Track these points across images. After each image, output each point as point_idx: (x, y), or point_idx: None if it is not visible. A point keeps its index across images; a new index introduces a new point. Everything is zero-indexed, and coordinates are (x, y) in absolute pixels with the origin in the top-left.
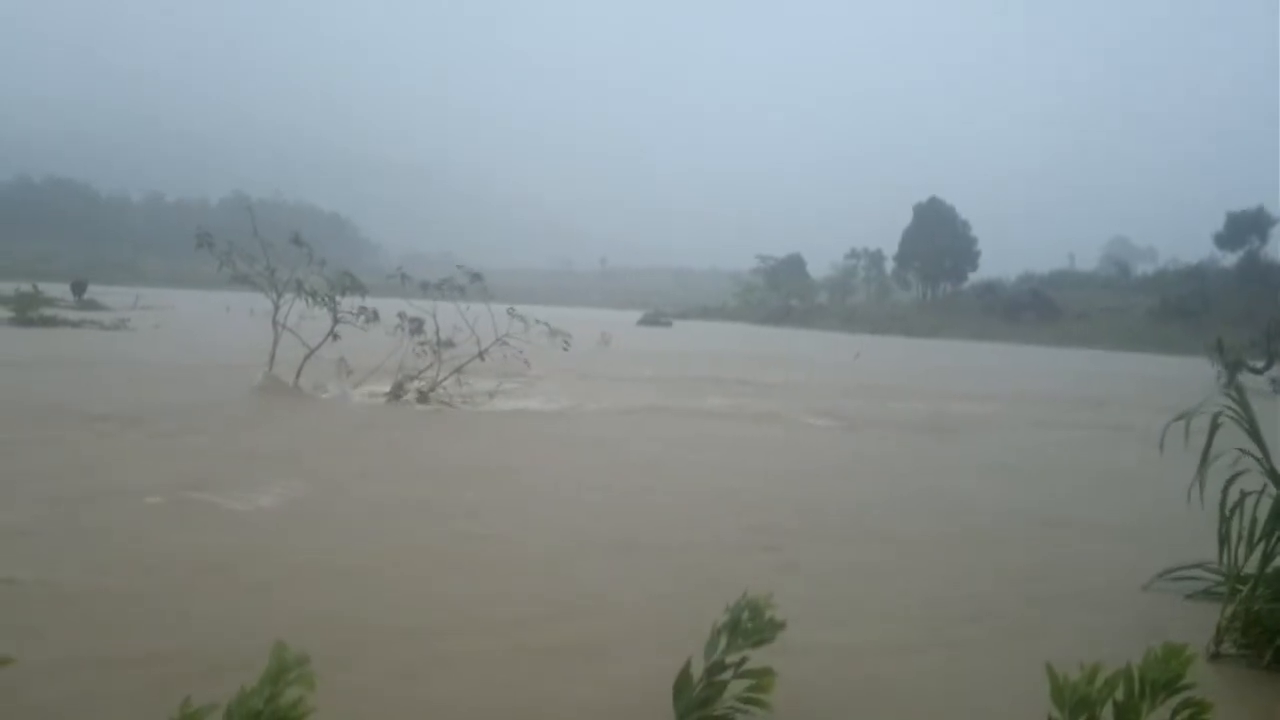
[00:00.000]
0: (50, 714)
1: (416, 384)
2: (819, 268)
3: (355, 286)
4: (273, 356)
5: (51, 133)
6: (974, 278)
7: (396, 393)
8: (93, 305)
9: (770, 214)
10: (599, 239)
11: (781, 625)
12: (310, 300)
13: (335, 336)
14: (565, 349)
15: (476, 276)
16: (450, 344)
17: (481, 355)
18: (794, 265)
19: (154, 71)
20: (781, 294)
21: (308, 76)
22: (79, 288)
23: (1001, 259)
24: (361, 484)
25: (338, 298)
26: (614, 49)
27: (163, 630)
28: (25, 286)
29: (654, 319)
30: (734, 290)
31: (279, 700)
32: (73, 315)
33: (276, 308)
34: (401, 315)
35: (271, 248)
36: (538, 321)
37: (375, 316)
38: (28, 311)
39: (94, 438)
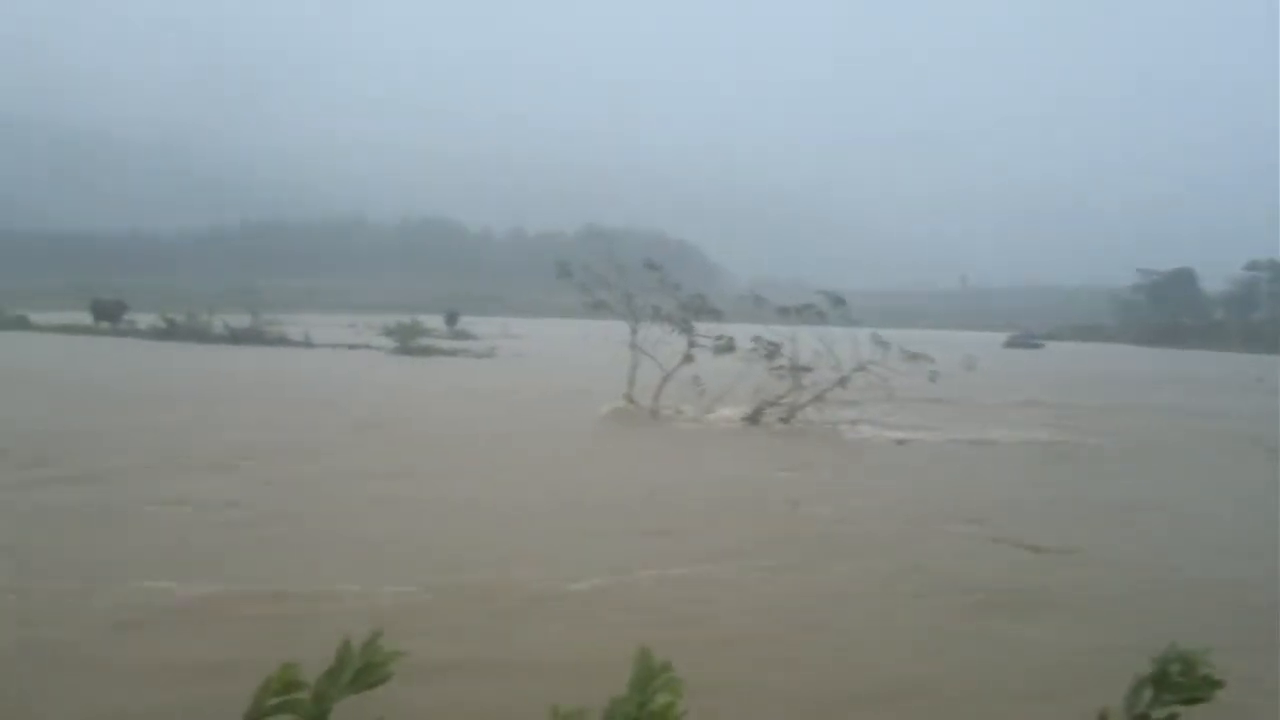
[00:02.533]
0: None
1: (776, 409)
2: (1213, 283)
3: (709, 310)
4: (631, 381)
5: (430, 175)
6: None
7: (755, 417)
8: (463, 335)
9: (1148, 226)
10: (958, 256)
11: (1219, 684)
12: (666, 325)
13: (690, 359)
14: (932, 378)
15: (839, 301)
16: (808, 369)
17: (843, 382)
18: (1182, 280)
19: (518, 113)
20: (1166, 311)
21: (662, 111)
22: (451, 318)
23: None
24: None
25: (692, 322)
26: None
27: None
28: (405, 318)
29: (1022, 340)
30: (1110, 308)
31: (649, 707)
32: (446, 344)
33: (634, 333)
34: (757, 340)
35: (627, 274)
36: (901, 349)
37: (732, 346)
38: (409, 341)
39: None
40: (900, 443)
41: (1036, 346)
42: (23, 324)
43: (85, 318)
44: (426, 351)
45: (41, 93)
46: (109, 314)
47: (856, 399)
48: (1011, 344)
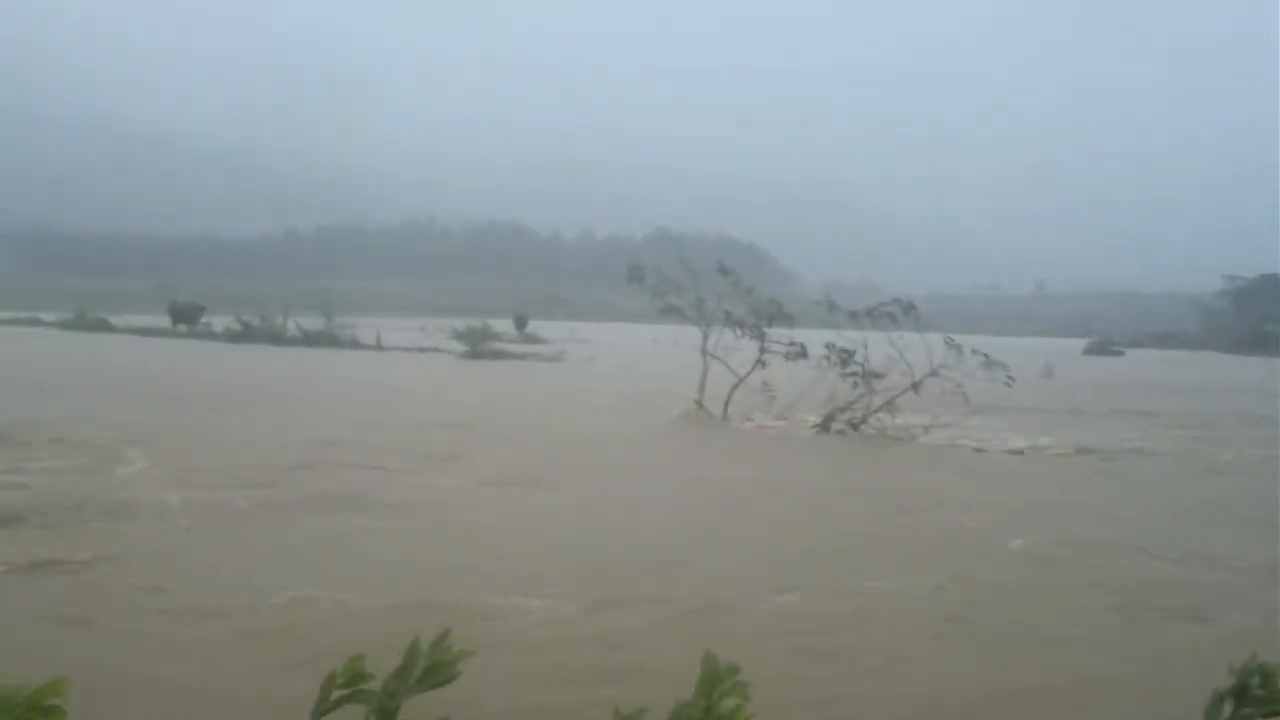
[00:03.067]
0: None
1: (847, 415)
2: None
3: (782, 315)
4: (702, 386)
5: (500, 179)
6: None
7: (826, 423)
8: (532, 339)
9: (1238, 230)
10: (1032, 261)
11: None
12: (737, 331)
13: (763, 364)
14: (1008, 383)
15: (910, 306)
16: (880, 375)
17: (915, 387)
18: (1270, 286)
19: (587, 117)
20: (1252, 318)
21: (732, 115)
22: (520, 322)
23: None
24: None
25: (764, 327)
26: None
27: None
28: (475, 322)
29: (1101, 347)
30: (1192, 315)
31: (717, 711)
32: (515, 348)
33: (705, 337)
34: (830, 346)
35: (698, 278)
36: (974, 351)
37: (804, 352)
38: (479, 345)
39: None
40: (1017, 452)
41: (1117, 353)
42: (104, 326)
43: (163, 320)
44: (496, 355)
45: (120, 97)
46: (186, 316)
47: (929, 406)
48: (1091, 351)
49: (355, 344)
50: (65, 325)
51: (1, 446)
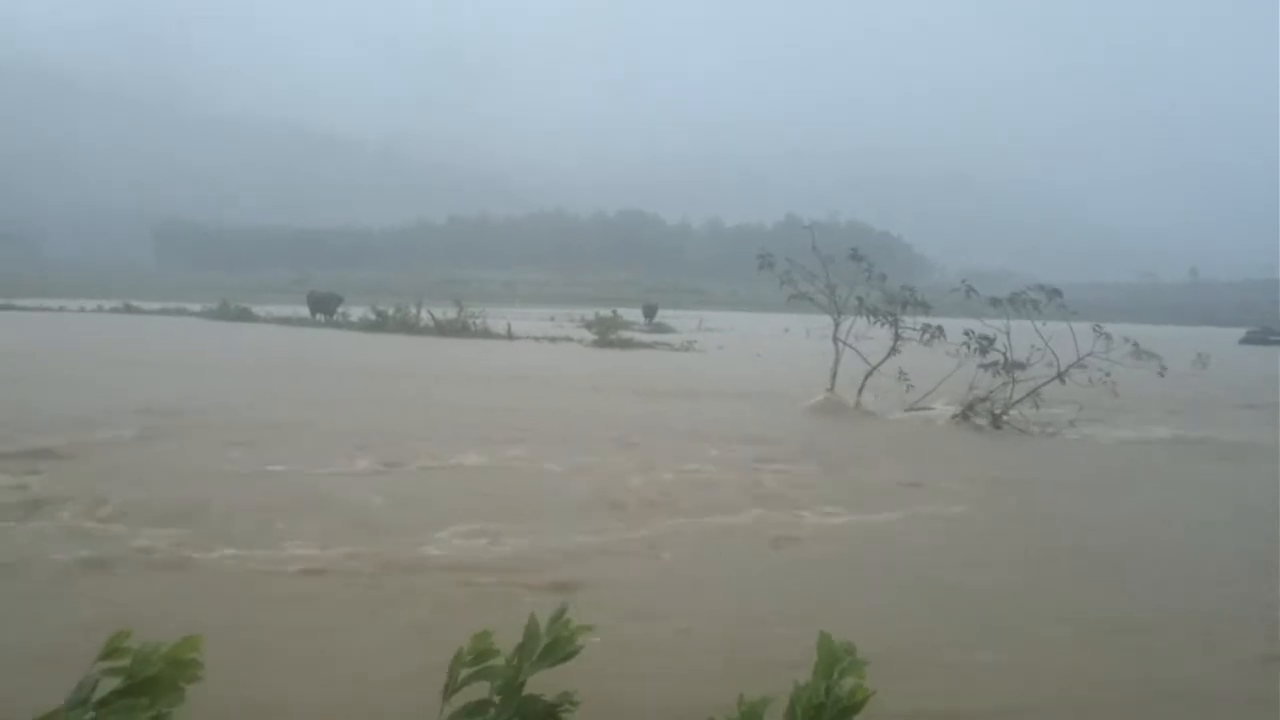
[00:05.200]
0: None
1: (988, 405)
2: None
3: (917, 302)
4: (834, 375)
5: (630, 168)
6: None
7: (966, 413)
8: (662, 328)
9: None
10: (1185, 248)
11: None
12: (871, 318)
13: (896, 351)
14: (1161, 374)
15: (1055, 292)
16: (1022, 365)
17: (1061, 377)
18: None
19: (720, 105)
20: None
21: (861, 102)
22: (650, 311)
23: None
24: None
25: (899, 315)
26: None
27: None
28: (604, 311)
29: (1260, 336)
30: None
31: (837, 691)
32: (645, 337)
33: (837, 325)
34: (969, 333)
35: (830, 266)
36: (1125, 340)
37: (940, 333)
38: (608, 334)
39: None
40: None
41: (1277, 342)
42: (247, 316)
43: (301, 310)
44: (626, 345)
45: (261, 95)
46: (324, 306)
47: (1074, 397)
48: (1249, 340)
49: (486, 333)
50: (210, 315)
51: (276, 429)
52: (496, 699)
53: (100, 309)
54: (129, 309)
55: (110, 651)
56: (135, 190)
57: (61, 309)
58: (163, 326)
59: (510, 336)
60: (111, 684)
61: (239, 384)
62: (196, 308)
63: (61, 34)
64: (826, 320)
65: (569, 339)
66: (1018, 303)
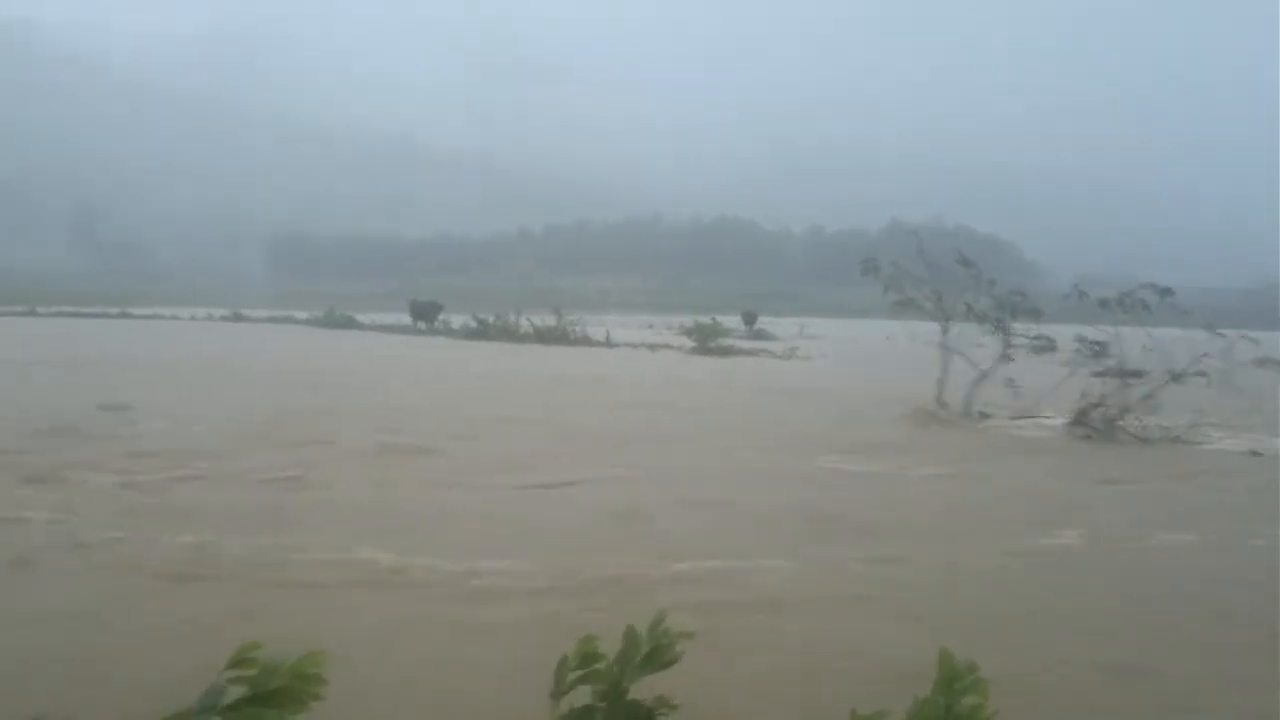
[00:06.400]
0: None
1: (1102, 412)
2: None
3: (1028, 309)
4: (941, 383)
5: (728, 175)
6: None
7: (1078, 421)
8: (762, 335)
9: None
10: None
11: None
12: (980, 324)
13: (1009, 359)
14: None
15: (1167, 291)
16: (1138, 373)
17: (1176, 378)
18: None
19: (822, 109)
20: None
21: (969, 103)
22: (749, 318)
23: None
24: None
25: (1009, 321)
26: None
27: None
28: (703, 318)
29: None
30: None
31: (957, 709)
32: (745, 345)
33: (944, 332)
34: (1081, 339)
35: (937, 271)
36: (1243, 337)
37: (1052, 345)
38: (708, 341)
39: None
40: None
41: None
42: (351, 323)
43: (404, 318)
44: (726, 352)
45: (357, 104)
46: (426, 314)
47: (1191, 404)
48: None
49: (586, 341)
50: (316, 323)
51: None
52: (601, 704)
53: (210, 317)
54: (238, 317)
55: (238, 661)
56: (238, 200)
57: (174, 317)
58: (286, 335)
59: (610, 344)
60: (238, 693)
61: (530, 398)
62: (303, 315)
63: (169, 46)
64: (932, 327)
65: (668, 346)
66: (1127, 304)
